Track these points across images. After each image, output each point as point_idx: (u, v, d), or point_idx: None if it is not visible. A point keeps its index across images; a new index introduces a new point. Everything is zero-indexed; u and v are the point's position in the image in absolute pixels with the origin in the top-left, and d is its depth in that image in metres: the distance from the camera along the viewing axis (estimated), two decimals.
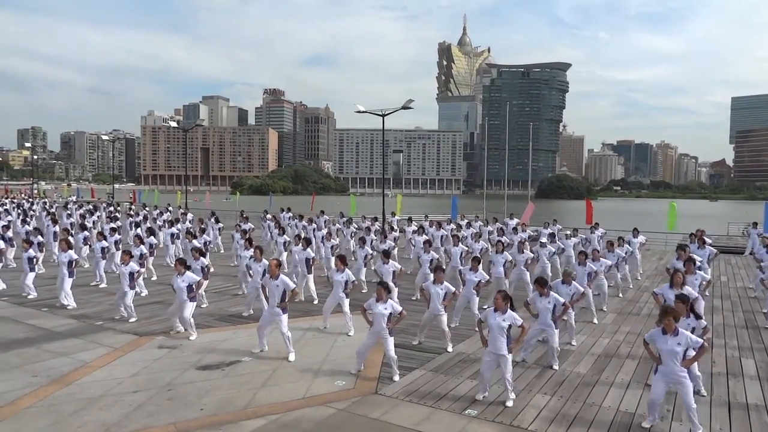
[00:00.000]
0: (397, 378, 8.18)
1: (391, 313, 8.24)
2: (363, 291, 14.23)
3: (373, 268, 14.80)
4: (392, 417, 6.91)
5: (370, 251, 15.06)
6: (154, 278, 15.66)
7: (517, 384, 7.77)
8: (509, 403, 7.33)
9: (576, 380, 8.41)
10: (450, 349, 9.72)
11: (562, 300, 9.10)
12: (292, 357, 9.02)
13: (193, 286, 10.24)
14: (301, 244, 13.56)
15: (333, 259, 12.93)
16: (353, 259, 15.35)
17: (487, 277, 11.46)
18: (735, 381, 8.52)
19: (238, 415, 6.89)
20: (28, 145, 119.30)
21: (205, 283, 12.35)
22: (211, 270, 13.40)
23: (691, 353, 6.56)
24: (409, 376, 8.36)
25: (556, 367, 8.88)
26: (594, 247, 15.75)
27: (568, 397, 7.73)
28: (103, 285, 14.72)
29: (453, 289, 10.02)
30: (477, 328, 8.02)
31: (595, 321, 12.02)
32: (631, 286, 16.23)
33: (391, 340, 8.24)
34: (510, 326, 7.40)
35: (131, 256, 11.80)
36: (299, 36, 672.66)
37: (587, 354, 9.79)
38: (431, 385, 8.05)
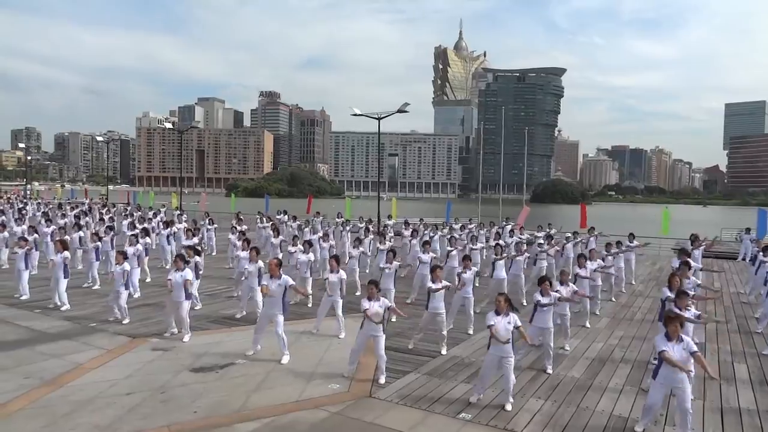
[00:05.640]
0: (382, 380, 8.16)
1: (385, 309, 8.36)
2: (357, 294, 14.22)
3: (377, 266, 14.82)
4: (386, 420, 6.92)
5: (367, 250, 15.19)
6: (148, 280, 15.60)
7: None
8: (508, 407, 7.34)
9: (570, 384, 8.44)
10: (444, 352, 9.73)
11: (557, 295, 9.19)
12: (285, 360, 9.01)
13: (188, 284, 10.21)
14: (302, 246, 13.62)
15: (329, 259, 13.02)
16: (347, 259, 15.43)
17: (477, 270, 11.78)
18: (728, 385, 8.57)
19: (232, 418, 6.88)
20: (21, 145, 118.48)
21: (197, 282, 12.32)
22: (201, 272, 13.39)
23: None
24: (403, 380, 8.36)
25: (550, 370, 8.91)
26: (591, 248, 15.87)
27: (562, 401, 7.75)
28: (96, 287, 14.64)
29: (449, 285, 10.11)
30: (490, 331, 7.77)
31: (588, 325, 12.06)
32: (623, 291, 16.30)
33: (382, 338, 8.27)
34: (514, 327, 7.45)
35: (126, 257, 11.77)
36: (295, 38, 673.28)
37: (581, 358, 9.82)
38: (425, 388, 8.06)
